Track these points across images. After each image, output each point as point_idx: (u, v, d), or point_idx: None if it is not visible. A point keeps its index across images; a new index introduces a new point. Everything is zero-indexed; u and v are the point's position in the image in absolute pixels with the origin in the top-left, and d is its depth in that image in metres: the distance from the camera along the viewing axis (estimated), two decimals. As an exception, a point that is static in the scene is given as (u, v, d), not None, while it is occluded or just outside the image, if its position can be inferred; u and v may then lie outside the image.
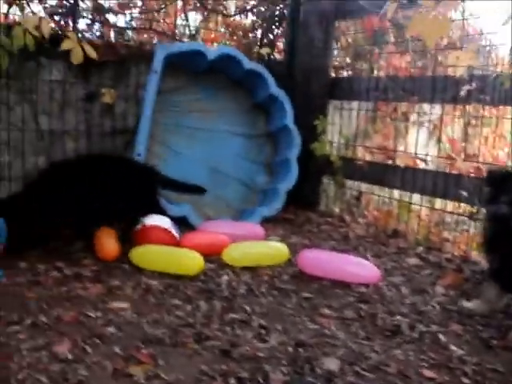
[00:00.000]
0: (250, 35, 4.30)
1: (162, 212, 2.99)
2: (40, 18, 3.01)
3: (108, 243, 2.70)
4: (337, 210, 3.94)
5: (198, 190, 3.12)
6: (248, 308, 2.19)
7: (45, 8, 3.47)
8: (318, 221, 3.68)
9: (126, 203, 2.81)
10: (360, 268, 2.60)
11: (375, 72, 4.00)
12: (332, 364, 1.80)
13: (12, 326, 1.94)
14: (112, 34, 3.78)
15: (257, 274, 2.59)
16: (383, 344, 1.96)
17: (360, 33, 4.13)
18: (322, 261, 2.65)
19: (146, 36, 3.97)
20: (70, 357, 1.74)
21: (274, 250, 2.77)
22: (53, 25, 3.31)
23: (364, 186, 3.83)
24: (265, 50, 3.93)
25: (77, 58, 3.11)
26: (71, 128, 3.32)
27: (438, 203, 3.36)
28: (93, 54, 3.15)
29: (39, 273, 2.47)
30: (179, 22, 4.05)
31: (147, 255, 2.60)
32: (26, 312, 2.06)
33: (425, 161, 3.45)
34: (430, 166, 3.40)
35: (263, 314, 2.16)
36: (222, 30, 4.26)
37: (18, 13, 3.25)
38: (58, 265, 2.56)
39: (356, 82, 3.81)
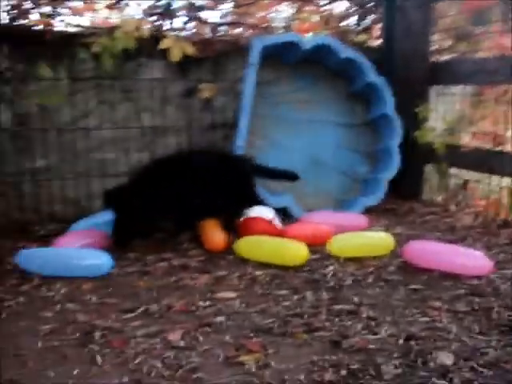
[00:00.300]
0: (345, 23, 4.21)
1: (262, 202, 3.01)
2: (139, 20, 3.13)
3: (215, 234, 2.74)
4: (440, 199, 3.78)
5: (291, 176, 3.11)
6: (356, 299, 2.14)
7: (143, 10, 3.59)
8: (422, 211, 3.55)
9: (224, 197, 2.86)
10: (470, 259, 2.46)
11: (480, 53, 3.79)
12: (446, 358, 1.72)
13: (126, 314, 2.03)
14: (206, 31, 3.84)
15: (362, 264, 2.54)
16: (500, 340, 1.84)
17: (460, 14, 3.93)
18: (430, 252, 2.54)
19: (239, 30, 3.99)
20: (182, 344, 1.79)
21: (380, 240, 2.69)
22: (150, 25, 3.40)
23: (469, 175, 3.64)
24: (361, 37, 3.84)
25: (175, 55, 3.19)
26: (172, 124, 3.41)
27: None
28: (190, 50, 3.22)
29: (148, 263, 2.57)
30: (272, 14, 4.04)
31: (252, 246, 2.61)
32: (138, 300, 2.15)
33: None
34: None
35: (371, 306, 2.10)
36: (316, 19, 4.20)
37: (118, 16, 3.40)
38: (166, 256, 2.65)
39: (459, 64, 3.62)
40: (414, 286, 2.30)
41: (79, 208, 3.26)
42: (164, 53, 3.22)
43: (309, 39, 3.36)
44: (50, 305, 2.10)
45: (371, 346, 1.78)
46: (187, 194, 2.78)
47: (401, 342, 1.82)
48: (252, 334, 1.86)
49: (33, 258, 2.46)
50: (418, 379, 1.59)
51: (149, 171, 2.85)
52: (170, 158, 2.98)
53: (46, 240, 2.81)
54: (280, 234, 2.78)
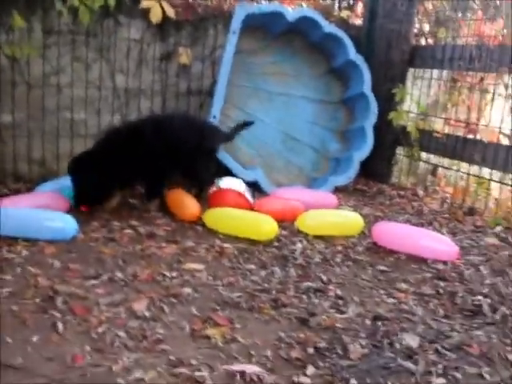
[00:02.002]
0: (328, -2, 4.14)
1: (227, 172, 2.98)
2: (122, -25, 3.01)
3: (189, 204, 2.70)
4: (409, 183, 3.81)
5: (247, 123, 3.12)
6: (324, 277, 2.14)
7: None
8: (391, 193, 3.57)
9: (191, 163, 2.83)
10: (438, 243, 2.49)
11: (460, 40, 3.78)
12: (411, 340, 1.74)
13: (90, 281, 1.98)
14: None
15: (331, 243, 2.54)
16: (464, 324, 1.87)
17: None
18: (398, 234, 2.56)
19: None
20: (147, 314, 1.76)
21: (349, 220, 2.70)
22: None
23: (439, 160, 3.67)
24: (345, 13, 3.78)
25: (156, 16, 3.10)
26: (147, 87, 3.31)
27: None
28: (171, 12, 3.13)
29: (113, 230, 2.51)
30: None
31: (221, 218, 2.58)
32: (103, 267, 2.10)
33: (509, 136, 3.26)
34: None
35: (339, 284, 2.11)
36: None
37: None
38: (132, 223, 2.60)
39: (438, 49, 3.61)
40: (381, 268, 2.32)
41: (45, 168, 3.16)
42: (144, 13, 3.12)
43: (294, 11, 3.29)
44: (10, 267, 2.04)
45: (338, 325, 1.78)
46: (153, 161, 2.72)
47: (368, 322, 1.83)
48: (219, 308, 1.84)
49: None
50: (384, 360, 1.61)
51: (114, 137, 2.77)
52: (135, 124, 2.90)
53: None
54: (250, 207, 2.75)
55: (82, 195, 2.67)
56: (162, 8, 3.10)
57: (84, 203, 2.68)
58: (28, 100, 3.06)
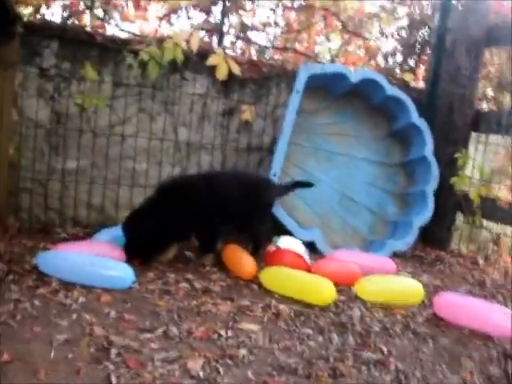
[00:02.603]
0: (390, 60, 4.17)
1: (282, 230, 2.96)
2: (191, 33, 3.10)
3: (246, 262, 2.67)
4: (469, 251, 3.67)
5: (306, 184, 3.14)
6: (384, 348, 2.05)
7: (193, 24, 3.57)
8: (450, 260, 3.44)
9: (246, 219, 2.82)
10: (505, 319, 2.35)
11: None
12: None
13: (144, 334, 1.95)
14: (253, 52, 3.81)
15: (390, 311, 2.44)
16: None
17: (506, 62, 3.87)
18: (463, 307, 2.43)
19: (285, 55, 3.96)
20: (201, 375, 1.71)
21: (410, 288, 2.59)
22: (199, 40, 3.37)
23: (501, 229, 3.53)
24: (407, 76, 3.77)
25: (222, 73, 3.16)
26: (208, 141, 3.36)
27: None
28: (237, 70, 3.19)
29: (169, 283, 2.48)
30: (320, 43, 4.01)
31: (278, 278, 2.53)
32: (158, 321, 2.07)
33: None
34: None
35: (400, 357, 2.00)
36: (362, 53, 4.17)
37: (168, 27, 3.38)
38: (188, 277, 2.57)
39: (504, 115, 3.52)
40: (443, 342, 2.20)
41: (103, 215, 3.21)
42: (210, 69, 3.19)
43: (357, 72, 3.31)
44: (66, 313, 2.03)
45: (401, 402, 1.68)
46: (206, 215, 2.72)
47: (431, 400, 1.73)
48: (275, 373, 1.77)
49: (53, 260, 2.39)
50: None
51: (169, 190, 2.78)
52: (190, 178, 2.94)
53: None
54: (308, 269, 2.69)
55: (135, 248, 2.66)
56: (228, 65, 3.16)
57: (136, 256, 2.66)
58: (93, 148, 3.14)
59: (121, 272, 2.35)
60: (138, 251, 2.66)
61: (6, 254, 2.53)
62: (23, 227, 3.00)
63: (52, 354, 1.73)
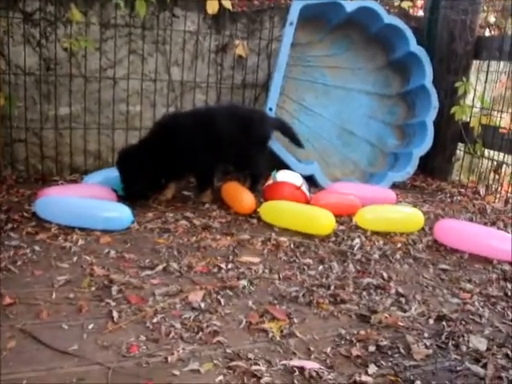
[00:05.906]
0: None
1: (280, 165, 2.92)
2: (178, -33, 2.99)
3: (245, 196, 2.66)
4: (469, 180, 3.64)
5: (298, 144, 3.04)
6: (384, 274, 2.05)
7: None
8: (451, 191, 3.43)
9: (239, 151, 2.77)
10: (505, 243, 2.34)
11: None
12: (479, 343, 1.63)
13: (145, 271, 1.96)
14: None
15: (390, 239, 2.44)
16: (536, 329, 1.76)
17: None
18: (462, 232, 2.43)
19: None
20: (203, 306, 1.72)
21: (409, 216, 2.58)
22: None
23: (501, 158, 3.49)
24: (406, 4, 3.65)
25: (212, 7, 3.07)
26: (202, 80, 3.29)
27: None
28: (228, 4, 3.09)
29: (168, 221, 2.49)
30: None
31: (278, 211, 2.52)
32: (158, 258, 2.08)
33: None
34: None
35: (400, 282, 2.01)
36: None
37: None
38: (187, 215, 2.57)
39: (507, 41, 3.40)
40: (443, 266, 2.21)
41: (100, 160, 3.18)
42: (200, 4, 3.09)
43: (352, 1, 3.20)
44: (66, 256, 2.04)
45: (401, 324, 1.69)
46: (201, 152, 2.67)
47: (431, 322, 1.74)
48: (276, 302, 1.78)
49: (51, 206, 2.38)
50: (450, 362, 1.52)
51: (161, 129, 2.72)
52: (184, 115, 2.86)
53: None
54: (307, 201, 2.68)
55: (131, 188, 2.64)
56: (219, -1, 3.06)
57: (133, 195, 2.64)
58: (85, 93, 3.08)
59: (119, 213, 2.35)
60: (136, 189, 2.63)
61: (4, 204, 2.53)
62: (21, 178, 3.00)
63: (54, 295, 1.74)
